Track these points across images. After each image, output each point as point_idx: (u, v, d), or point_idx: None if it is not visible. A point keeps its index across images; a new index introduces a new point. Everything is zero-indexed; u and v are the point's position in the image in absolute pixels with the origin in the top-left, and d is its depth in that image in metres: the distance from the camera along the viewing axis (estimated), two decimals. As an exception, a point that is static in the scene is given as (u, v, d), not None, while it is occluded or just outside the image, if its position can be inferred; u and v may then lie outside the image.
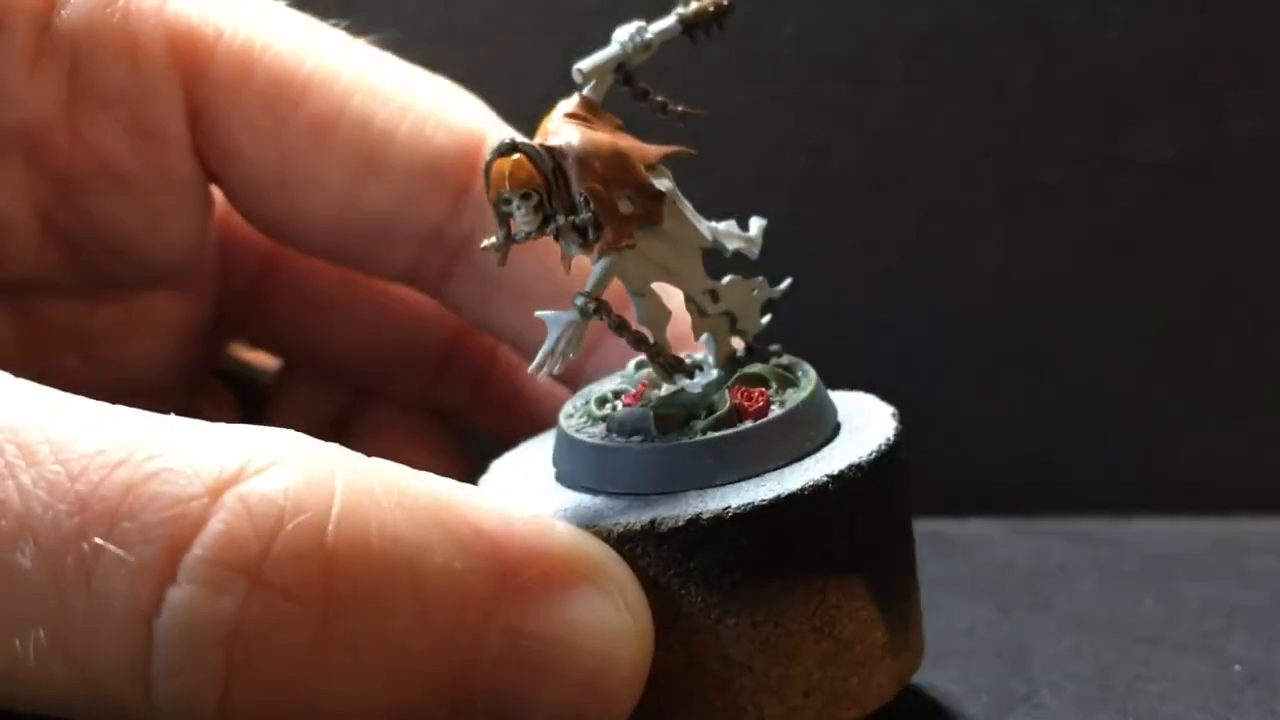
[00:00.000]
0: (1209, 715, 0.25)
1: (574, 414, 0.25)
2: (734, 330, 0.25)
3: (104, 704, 0.19)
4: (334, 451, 0.20)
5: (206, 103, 0.29)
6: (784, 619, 0.22)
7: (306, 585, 0.18)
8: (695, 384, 0.24)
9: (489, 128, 0.30)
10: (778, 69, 0.43)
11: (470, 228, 0.30)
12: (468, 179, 0.30)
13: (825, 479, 0.22)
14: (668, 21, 0.24)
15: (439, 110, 0.30)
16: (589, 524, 0.22)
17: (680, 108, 0.24)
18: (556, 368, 0.23)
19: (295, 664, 0.19)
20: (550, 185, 0.22)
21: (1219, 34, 0.42)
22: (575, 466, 0.24)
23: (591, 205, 0.22)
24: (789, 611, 0.22)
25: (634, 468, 0.23)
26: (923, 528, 0.26)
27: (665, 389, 0.24)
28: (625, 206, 0.23)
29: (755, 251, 0.26)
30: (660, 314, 0.24)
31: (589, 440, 0.24)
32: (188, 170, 0.30)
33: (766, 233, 0.26)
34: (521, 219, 0.22)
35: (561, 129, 0.23)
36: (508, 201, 0.22)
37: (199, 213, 0.31)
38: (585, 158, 0.22)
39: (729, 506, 0.21)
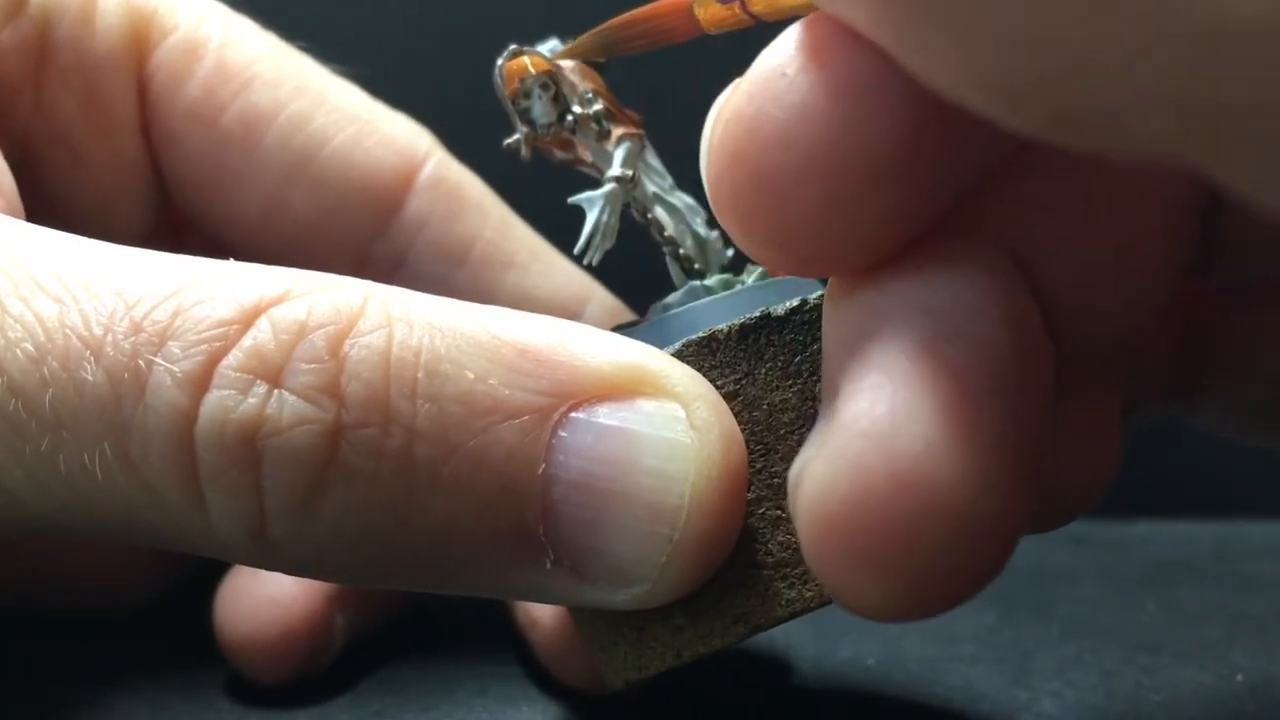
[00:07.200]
0: (1211, 726, 0.25)
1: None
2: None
3: (168, 516, 0.20)
4: (371, 284, 0.21)
5: (151, 80, 0.29)
6: None
7: (321, 389, 0.19)
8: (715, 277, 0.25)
9: (432, 155, 0.30)
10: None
11: (404, 247, 0.30)
12: (402, 198, 0.30)
13: None
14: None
15: (381, 128, 0.30)
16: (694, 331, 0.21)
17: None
18: (602, 245, 0.23)
19: (316, 469, 0.19)
20: (559, 81, 0.23)
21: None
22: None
23: (600, 99, 0.23)
24: None
25: (708, 311, 0.22)
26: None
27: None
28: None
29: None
30: (675, 214, 0.24)
31: (656, 316, 0.23)
32: (137, 152, 0.30)
33: None
34: (540, 111, 0.23)
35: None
36: (527, 95, 0.23)
37: (153, 199, 0.31)
38: (582, 67, 0.24)
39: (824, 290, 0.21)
